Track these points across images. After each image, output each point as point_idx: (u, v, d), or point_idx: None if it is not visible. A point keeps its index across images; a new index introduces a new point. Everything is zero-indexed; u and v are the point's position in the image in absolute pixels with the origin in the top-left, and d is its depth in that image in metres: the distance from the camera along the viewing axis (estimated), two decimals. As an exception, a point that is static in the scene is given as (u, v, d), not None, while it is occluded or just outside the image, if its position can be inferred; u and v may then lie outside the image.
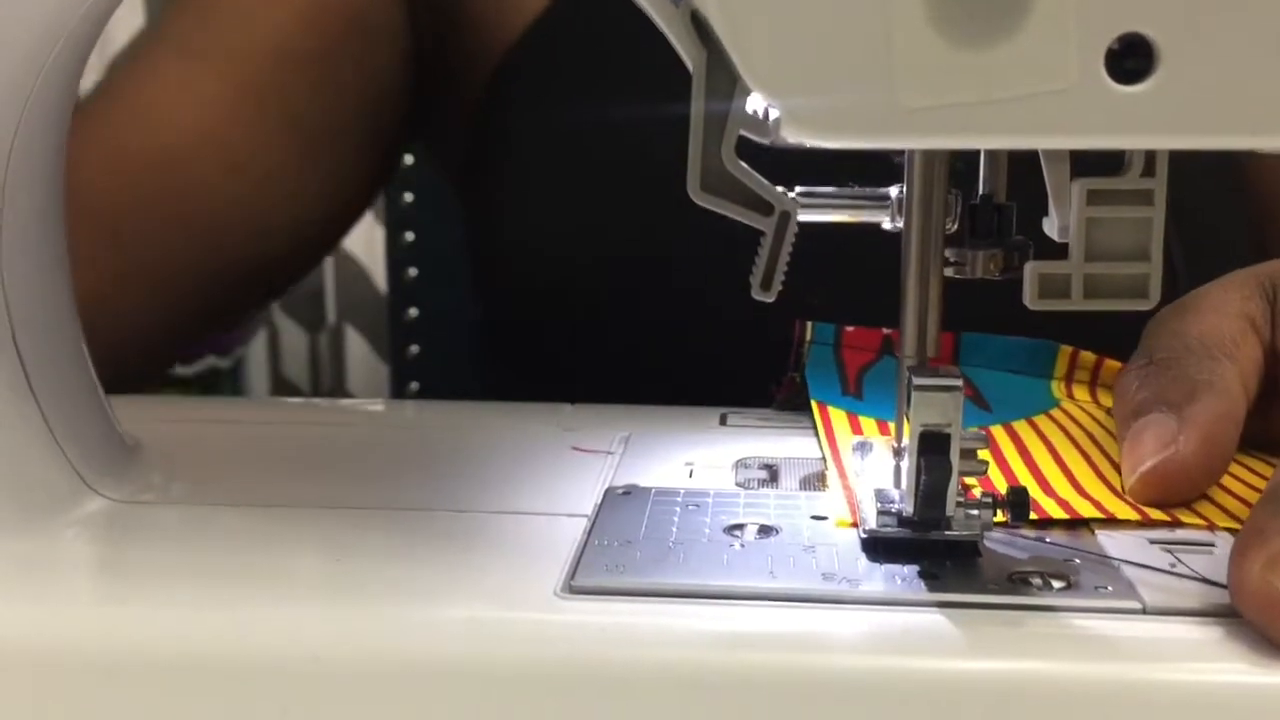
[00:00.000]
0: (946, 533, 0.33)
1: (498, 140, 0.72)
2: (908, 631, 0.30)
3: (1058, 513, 0.36)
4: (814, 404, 0.47)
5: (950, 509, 0.33)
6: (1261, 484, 0.40)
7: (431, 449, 0.46)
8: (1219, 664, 0.29)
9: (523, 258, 0.68)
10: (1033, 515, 0.35)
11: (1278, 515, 0.31)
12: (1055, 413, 0.47)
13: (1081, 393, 0.50)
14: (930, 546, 0.34)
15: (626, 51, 0.56)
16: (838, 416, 0.45)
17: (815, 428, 0.45)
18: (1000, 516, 0.35)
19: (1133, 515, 0.37)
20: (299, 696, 0.30)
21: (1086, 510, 0.37)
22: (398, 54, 0.66)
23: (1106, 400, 0.48)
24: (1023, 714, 0.29)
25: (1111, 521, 0.36)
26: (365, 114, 0.65)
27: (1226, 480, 0.39)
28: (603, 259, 0.65)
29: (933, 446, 0.33)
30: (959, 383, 0.33)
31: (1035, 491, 0.38)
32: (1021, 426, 0.45)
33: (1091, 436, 0.44)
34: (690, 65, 0.31)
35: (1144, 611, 0.31)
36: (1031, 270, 0.31)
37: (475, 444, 0.46)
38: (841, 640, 0.31)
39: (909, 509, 0.34)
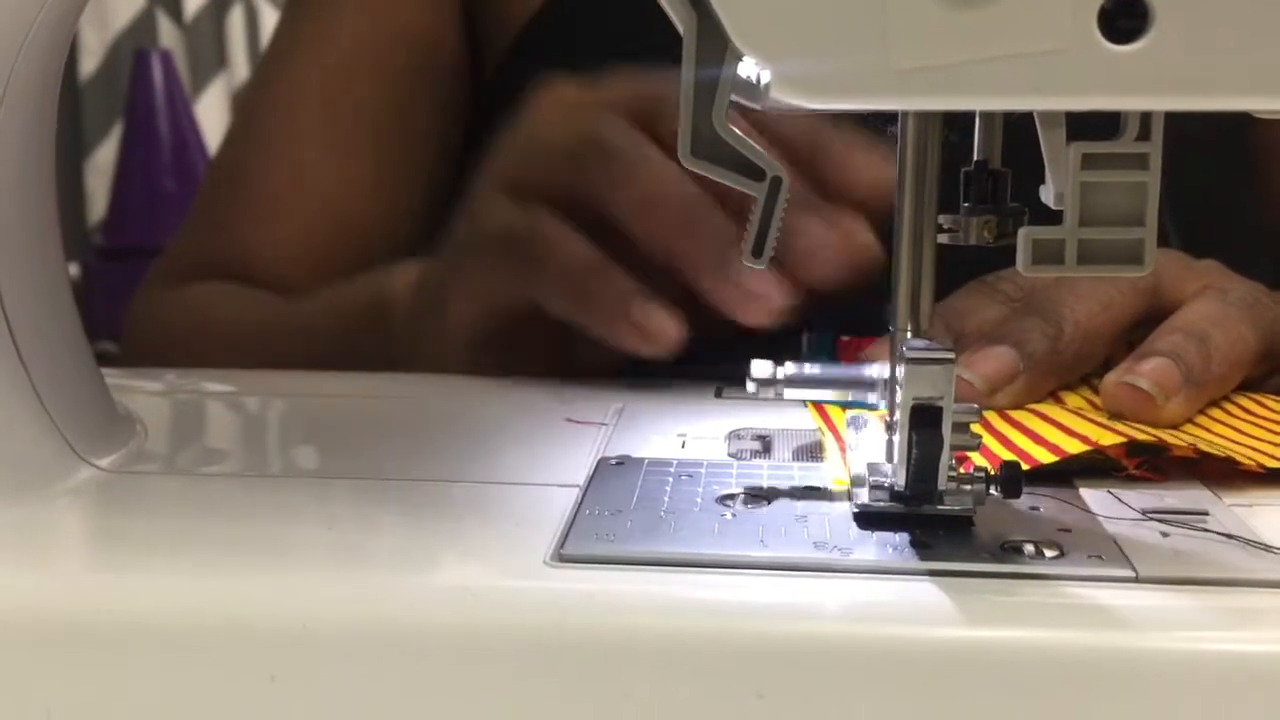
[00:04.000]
0: (939, 507, 0.33)
1: (508, 115, 0.72)
2: (899, 600, 0.30)
3: (1047, 457, 0.36)
4: (810, 405, 0.45)
5: (942, 483, 0.33)
6: (1252, 416, 0.42)
7: (424, 420, 0.46)
8: (1211, 632, 0.29)
9: None
10: (1024, 466, 0.35)
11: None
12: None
13: None
14: (922, 520, 0.33)
15: (638, 25, 0.57)
16: (835, 410, 0.44)
17: (812, 417, 0.44)
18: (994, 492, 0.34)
19: (1118, 439, 0.36)
20: (287, 664, 0.30)
21: (1074, 446, 0.37)
22: (462, 85, 0.75)
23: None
24: (1015, 682, 0.29)
25: (1104, 473, 0.36)
26: (445, 148, 0.76)
27: (1217, 412, 0.41)
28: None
29: (924, 420, 0.32)
30: (951, 355, 0.32)
31: (1023, 441, 0.38)
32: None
33: (1079, 411, 0.43)
34: (681, 29, 0.31)
35: (1136, 579, 0.31)
36: (1025, 235, 0.30)
37: (469, 415, 0.46)
38: (832, 609, 0.30)
39: (900, 483, 0.33)
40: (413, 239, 0.72)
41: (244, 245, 0.73)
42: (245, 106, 0.82)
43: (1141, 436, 0.37)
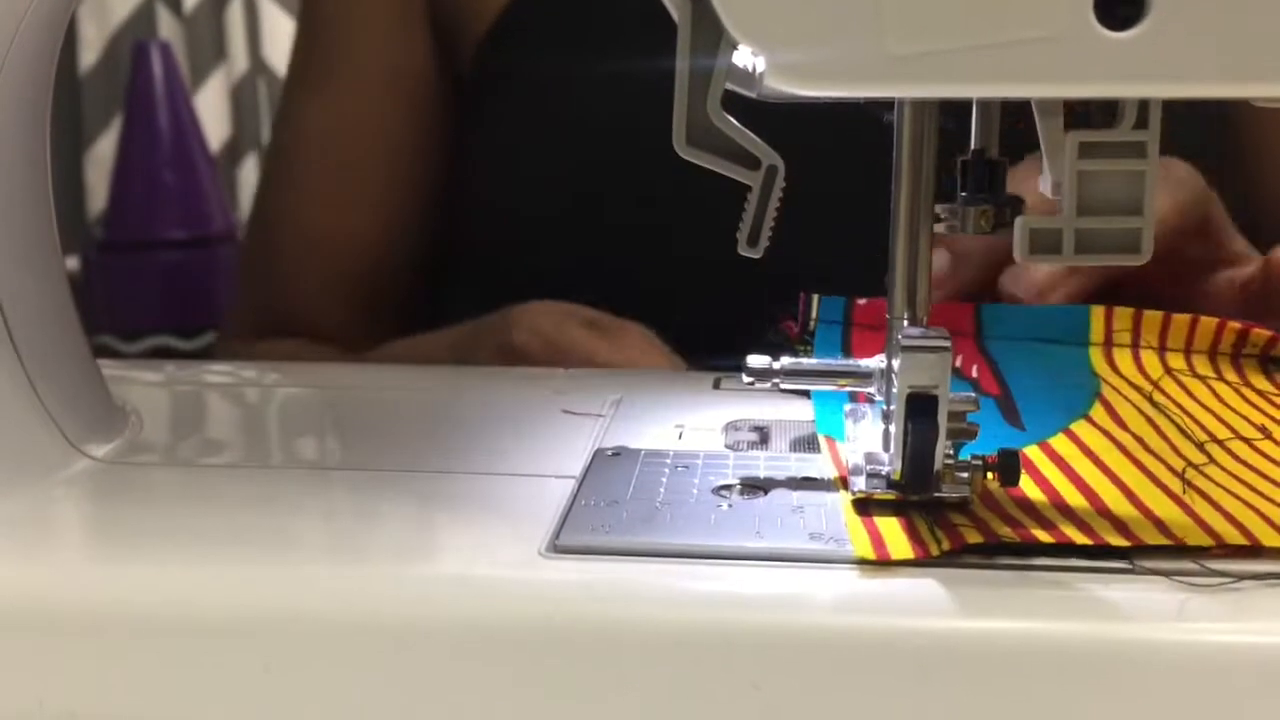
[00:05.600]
0: (935, 494, 0.33)
1: (485, 102, 0.73)
2: (894, 591, 0.30)
3: (1116, 539, 0.31)
4: (822, 439, 0.40)
5: (938, 466, 0.33)
6: None
7: (422, 411, 0.46)
8: (1206, 623, 0.29)
9: (513, 218, 0.68)
10: (1084, 540, 0.31)
11: None
12: (1096, 412, 0.41)
13: (1125, 361, 0.44)
14: (919, 508, 0.33)
15: (619, 10, 0.57)
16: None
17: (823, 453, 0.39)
18: (991, 478, 0.34)
19: (1205, 540, 0.31)
20: (282, 653, 0.30)
21: (1150, 536, 0.32)
22: (445, 104, 0.77)
23: (1152, 366, 0.44)
24: (1010, 672, 0.29)
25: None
26: (434, 163, 0.77)
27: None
28: (597, 220, 0.65)
29: (920, 409, 0.32)
30: (947, 343, 0.32)
31: (1086, 512, 0.34)
32: (1060, 443, 0.39)
33: (1141, 440, 0.38)
34: (676, 18, 0.31)
35: (1132, 570, 0.30)
36: (1022, 225, 0.30)
37: (466, 406, 0.46)
38: (827, 600, 0.30)
39: (897, 471, 0.33)
40: (415, 254, 0.76)
41: (281, 298, 0.76)
42: (265, 164, 0.85)
43: (1233, 540, 0.31)
